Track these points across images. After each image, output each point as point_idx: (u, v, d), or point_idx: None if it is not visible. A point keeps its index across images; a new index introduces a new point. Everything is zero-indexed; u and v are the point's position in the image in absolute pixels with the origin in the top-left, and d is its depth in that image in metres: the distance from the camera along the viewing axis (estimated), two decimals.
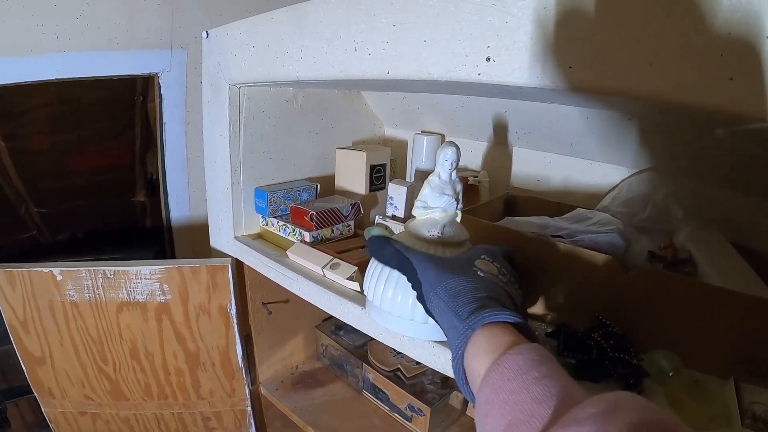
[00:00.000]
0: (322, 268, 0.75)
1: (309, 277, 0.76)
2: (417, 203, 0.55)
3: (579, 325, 0.59)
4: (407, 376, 0.92)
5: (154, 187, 1.45)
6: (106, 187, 1.39)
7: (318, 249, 0.79)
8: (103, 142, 1.32)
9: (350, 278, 0.71)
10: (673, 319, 0.55)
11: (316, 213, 0.80)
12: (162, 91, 1.15)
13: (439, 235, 0.53)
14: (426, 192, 0.54)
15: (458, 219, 0.56)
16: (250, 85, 0.82)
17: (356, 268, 0.72)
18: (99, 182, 1.37)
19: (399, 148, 1.08)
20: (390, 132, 1.11)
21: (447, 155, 0.53)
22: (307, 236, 0.82)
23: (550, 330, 0.62)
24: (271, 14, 0.70)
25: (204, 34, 0.87)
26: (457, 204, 0.55)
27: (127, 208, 1.45)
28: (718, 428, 0.45)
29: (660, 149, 0.75)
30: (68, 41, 1.03)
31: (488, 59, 0.45)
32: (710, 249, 0.64)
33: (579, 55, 0.39)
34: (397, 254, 0.47)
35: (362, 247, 0.82)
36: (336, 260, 0.75)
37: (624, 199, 0.79)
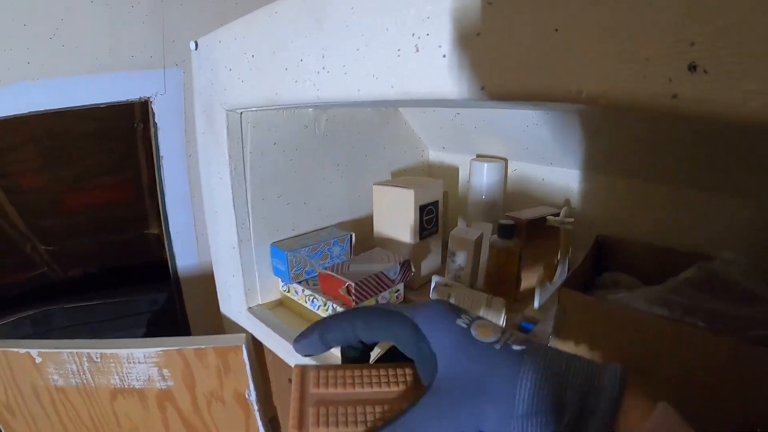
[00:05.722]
0: None
1: None
2: None
3: None
4: None
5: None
6: (112, 223, 1.16)
7: None
8: (101, 177, 1.09)
9: None
10: None
11: (355, 283, 0.53)
12: (156, 119, 0.88)
13: None
14: None
15: None
16: (254, 110, 0.55)
17: None
18: (103, 218, 1.14)
19: (448, 176, 0.79)
20: (435, 156, 0.82)
21: None
22: None
23: None
24: (274, 6, 0.42)
25: (192, 45, 0.60)
26: None
27: (141, 241, 1.22)
28: None
29: None
30: (41, 66, 0.77)
31: None
32: None
33: None
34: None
35: None
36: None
37: None
